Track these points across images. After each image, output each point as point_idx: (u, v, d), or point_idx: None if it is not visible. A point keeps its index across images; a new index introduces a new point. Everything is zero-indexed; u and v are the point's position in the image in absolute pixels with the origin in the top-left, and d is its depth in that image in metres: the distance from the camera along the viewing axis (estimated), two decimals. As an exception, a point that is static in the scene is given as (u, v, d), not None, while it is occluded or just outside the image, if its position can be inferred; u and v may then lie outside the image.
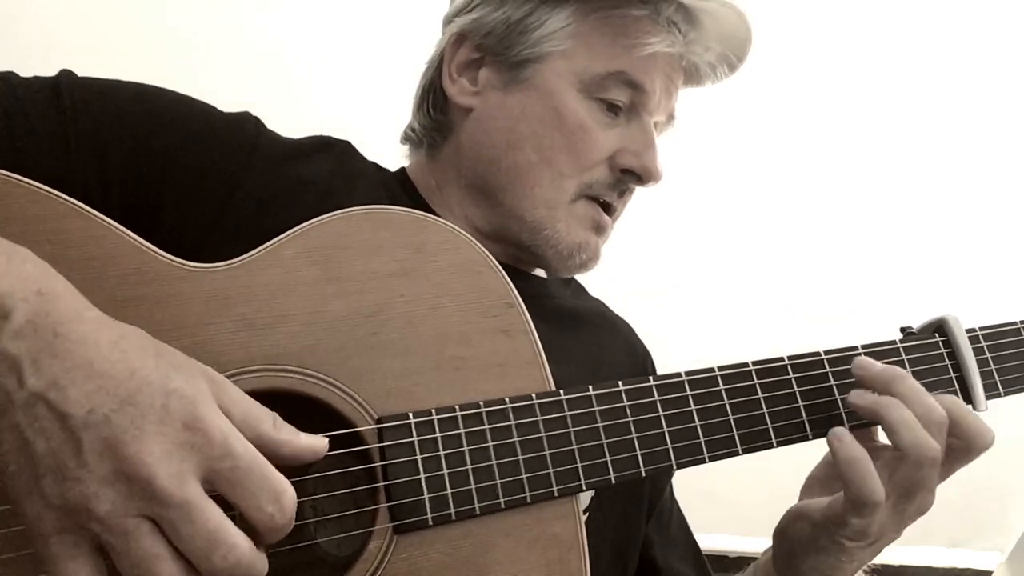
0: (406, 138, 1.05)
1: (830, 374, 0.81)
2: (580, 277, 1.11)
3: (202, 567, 0.52)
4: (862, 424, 0.80)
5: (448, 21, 0.99)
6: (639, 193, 0.99)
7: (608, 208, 0.95)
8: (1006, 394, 0.87)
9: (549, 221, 0.92)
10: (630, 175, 0.94)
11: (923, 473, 0.74)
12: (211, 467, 0.53)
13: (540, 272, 1.05)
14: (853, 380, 0.79)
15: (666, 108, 0.97)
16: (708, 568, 1.07)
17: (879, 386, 0.77)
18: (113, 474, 0.51)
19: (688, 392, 0.76)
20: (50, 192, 0.65)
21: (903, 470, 0.74)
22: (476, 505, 0.68)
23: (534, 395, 0.72)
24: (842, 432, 0.75)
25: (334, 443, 0.65)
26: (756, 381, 0.78)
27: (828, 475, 0.86)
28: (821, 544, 0.79)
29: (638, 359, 1.06)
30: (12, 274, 0.54)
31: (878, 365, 0.78)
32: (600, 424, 0.73)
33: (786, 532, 0.84)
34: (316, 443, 0.60)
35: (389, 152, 1.04)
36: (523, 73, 0.92)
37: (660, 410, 0.75)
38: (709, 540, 1.26)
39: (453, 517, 0.67)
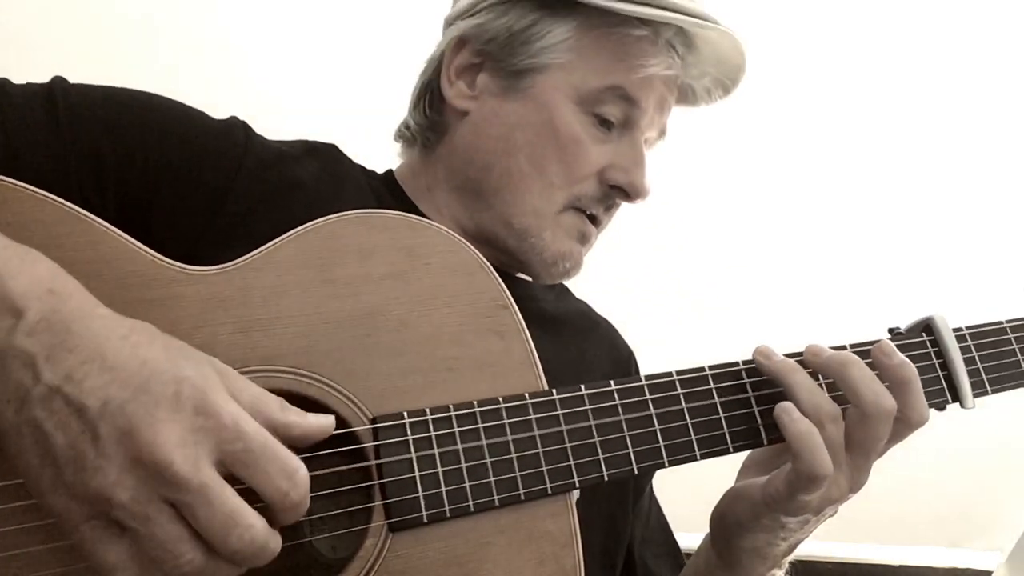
0: (400, 135, 1.06)
1: (818, 374, 0.81)
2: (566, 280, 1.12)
3: (220, 547, 0.54)
4: None
5: (450, 23, 1.00)
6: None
7: (594, 219, 0.97)
8: (993, 392, 0.87)
9: (536, 229, 0.93)
10: (618, 191, 0.95)
11: (884, 429, 0.75)
12: (224, 450, 0.55)
13: (523, 276, 1.06)
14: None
15: (658, 124, 0.99)
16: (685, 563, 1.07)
17: (832, 371, 0.78)
18: (131, 462, 0.52)
19: (679, 391, 0.77)
20: (48, 196, 0.66)
21: (864, 427, 0.75)
22: (470, 503, 0.68)
23: (527, 394, 0.73)
24: (790, 407, 0.75)
25: (330, 443, 0.66)
26: (746, 380, 0.79)
27: (769, 455, 0.85)
28: (763, 523, 0.80)
29: (621, 360, 1.07)
30: (24, 274, 0.56)
31: (827, 351, 0.79)
32: (592, 423, 0.74)
33: (725, 515, 0.84)
34: (323, 422, 0.63)
35: (376, 156, 1.05)
36: (522, 82, 0.94)
37: (652, 408, 0.76)
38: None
39: (448, 515, 0.68)
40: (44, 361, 0.53)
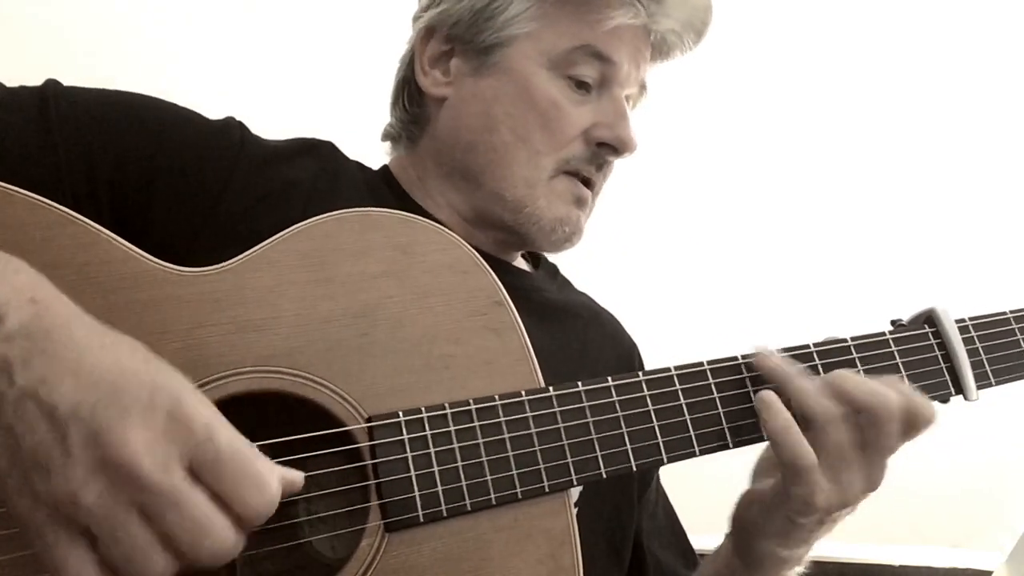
0: (386, 135, 1.07)
1: (820, 367, 0.81)
2: (567, 270, 1.12)
3: (189, 552, 0.53)
4: None
5: (417, 19, 1.01)
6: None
7: (588, 183, 0.97)
8: (997, 384, 0.86)
9: (529, 198, 0.94)
10: (606, 147, 0.96)
11: (889, 428, 0.74)
12: (194, 456, 0.53)
13: (525, 265, 1.06)
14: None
15: (636, 79, 0.99)
16: (694, 554, 1.07)
17: (777, 379, 0.77)
18: (98, 463, 0.51)
19: (677, 387, 0.77)
20: (41, 200, 0.66)
21: (871, 427, 0.74)
22: (467, 502, 0.68)
23: (523, 392, 0.72)
24: (770, 398, 0.75)
25: (325, 442, 0.65)
26: (745, 375, 0.79)
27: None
28: (776, 525, 0.79)
29: (624, 352, 1.07)
30: (6, 283, 0.55)
31: (774, 358, 0.78)
32: (590, 420, 0.73)
33: (742, 519, 0.84)
34: (292, 476, 0.59)
35: (372, 152, 1.05)
36: (492, 58, 0.94)
37: (650, 404, 0.75)
38: (708, 542, 1.26)
39: (444, 514, 0.67)
40: (20, 365, 0.52)
